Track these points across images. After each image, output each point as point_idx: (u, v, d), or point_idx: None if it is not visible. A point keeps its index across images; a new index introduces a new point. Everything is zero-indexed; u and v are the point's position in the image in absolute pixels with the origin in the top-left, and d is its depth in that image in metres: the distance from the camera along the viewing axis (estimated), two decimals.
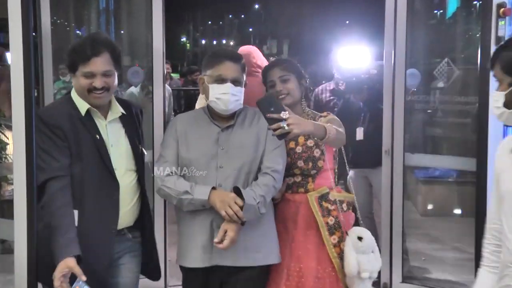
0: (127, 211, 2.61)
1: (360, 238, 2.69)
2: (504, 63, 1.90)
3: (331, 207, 2.78)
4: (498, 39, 2.94)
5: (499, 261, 2.00)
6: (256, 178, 2.63)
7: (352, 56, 4.53)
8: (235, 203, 2.46)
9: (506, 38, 2.98)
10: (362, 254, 2.69)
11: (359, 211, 2.85)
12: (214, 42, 20.94)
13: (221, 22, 21.40)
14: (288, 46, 17.85)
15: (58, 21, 4.15)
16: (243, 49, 4.34)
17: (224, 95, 2.58)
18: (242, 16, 20.08)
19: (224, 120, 2.67)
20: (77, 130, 2.54)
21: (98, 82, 2.53)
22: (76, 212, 2.52)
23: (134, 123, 2.74)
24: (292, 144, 2.80)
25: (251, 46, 4.41)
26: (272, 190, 2.62)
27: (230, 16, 20.78)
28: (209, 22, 21.30)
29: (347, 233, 2.73)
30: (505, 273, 1.93)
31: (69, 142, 2.50)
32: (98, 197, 2.55)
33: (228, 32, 21.05)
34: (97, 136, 2.56)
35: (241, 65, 2.65)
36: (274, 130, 2.41)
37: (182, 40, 20.88)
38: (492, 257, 2.04)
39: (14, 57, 2.52)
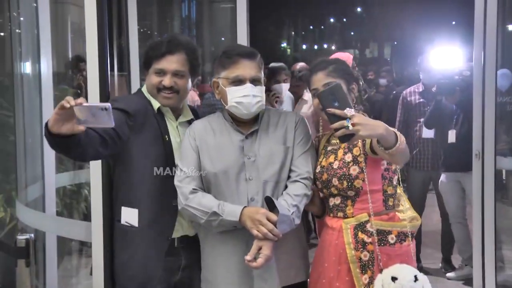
0: None
1: (394, 279, 2.19)
2: None
3: (368, 240, 2.32)
4: None
5: None
6: (285, 187, 2.40)
7: (443, 58, 4.44)
8: (268, 219, 2.22)
9: None
10: None
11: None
12: (315, 47, 20.99)
13: (322, 27, 21.41)
14: (391, 49, 17.56)
15: (142, 30, 4.41)
16: (341, 55, 4.37)
17: (244, 98, 2.34)
18: (344, 19, 19.98)
19: (247, 125, 2.44)
20: (149, 124, 2.48)
21: (167, 81, 2.47)
22: (136, 211, 2.48)
23: None
24: (331, 158, 2.42)
25: (348, 54, 4.42)
26: (305, 198, 2.37)
27: (332, 20, 20.73)
28: (311, 27, 21.38)
29: (381, 272, 2.27)
30: None
31: (133, 135, 2.42)
32: (157, 200, 2.47)
33: (329, 36, 21.02)
34: (166, 137, 2.51)
35: (258, 62, 2.41)
36: (336, 130, 2.08)
37: (282, 45, 21.09)
38: None
39: (91, 66, 2.56)
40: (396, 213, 2.41)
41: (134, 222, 2.48)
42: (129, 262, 2.52)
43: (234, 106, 2.35)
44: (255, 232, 2.21)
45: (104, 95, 2.59)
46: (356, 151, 2.37)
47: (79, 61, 5.71)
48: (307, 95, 4.86)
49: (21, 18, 4.00)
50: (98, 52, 2.56)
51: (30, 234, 2.68)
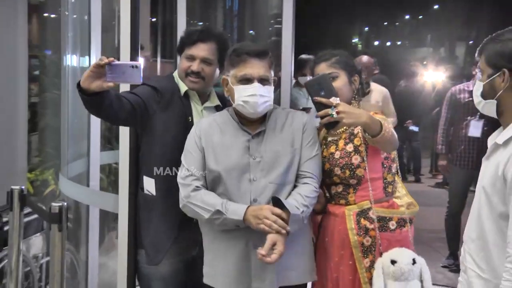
0: None
1: (393, 262, 2.29)
2: (488, 55, 1.91)
3: (370, 226, 2.40)
4: None
5: None
6: (292, 190, 2.39)
7: None
8: (273, 213, 2.23)
9: None
10: (394, 281, 2.27)
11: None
12: (388, 44, 20.63)
13: (397, 23, 21.00)
14: (465, 48, 17.03)
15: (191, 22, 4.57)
16: (364, 59, 4.63)
17: (251, 97, 2.32)
18: (420, 17, 19.53)
19: (253, 124, 2.43)
20: (175, 104, 2.64)
21: (195, 66, 2.62)
22: (153, 181, 2.63)
23: None
24: (332, 149, 2.50)
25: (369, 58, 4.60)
26: (314, 200, 2.39)
27: (407, 16, 20.30)
28: (385, 23, 21.01)
29: (381, 255, 2.37)
30: None
31: (158, 111, 2.59)
32: (171, 177, 2.58)
33: (403, 33, 20.61)
34: (190, 118, 2.66)
35: (268, 61, 2.40)
36: (322, 118, 2.17)
37: (354, 40, 20.87)
38: None
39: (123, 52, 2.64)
40: (394, 199, 2.50)
41: (153, 190, 2.64)
42: (147, 228, 2.69)
43: (241, 105, 2.36)
44: (261, 226, 2.22)
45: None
46: (357, 141, 2.46)
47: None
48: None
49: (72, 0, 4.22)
50: (130, 41, 2.67)
51: (64, 202, 2.87)
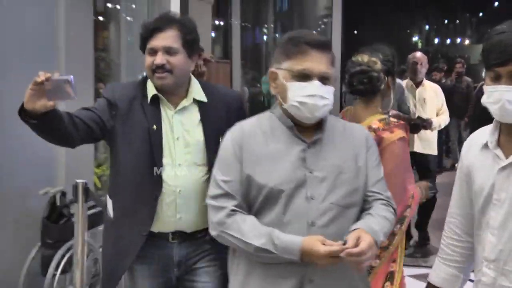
0: (199, 210, 2.31)
1: None
2: None
3: None
4: None
5: (454, 254, 2.08)
6: (358, 215, 1.98)
7: None
8: (330, 253, 1.77)
9: None
10: None
11: None
12: (448, 41, 20.28)
13: (457, 21, 20.63)
14: None
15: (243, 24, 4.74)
16: (419, 54, 4.73)
17: (310, 98, 1.89)
18: (480, 14, 19.13)
19: (308, 131, 1.98)
20: (133, 114, 2.33)
21: (158, 59, 2.28)
22: (110, 202, 2.42)
23: (218, 112, 2.40)
24: None
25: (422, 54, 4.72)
26: (392, 226, 2.03)
27: (468, 14, 19.91)
28: (445, 21, 20.67)
29: None
30: (478, 268, 1.96)
31: (117, 124, 2.32)
32: (137, 193, 2.33)
33: (463, 31, 20.23)
34: (154, 127, 2.33)
35: (331, 56, 1.97)
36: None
37: (414, 39, 20.61)
38: (447, 250, 2.08)
39: None
40: None
41: (111, 212, 2.42)
42: (104, 251, 2.55)
43: (295, 106, 1.91)
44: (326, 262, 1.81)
45: None
46: None
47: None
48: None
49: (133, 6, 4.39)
50: None
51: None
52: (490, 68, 1.82)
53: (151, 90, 2.36)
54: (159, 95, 2.35)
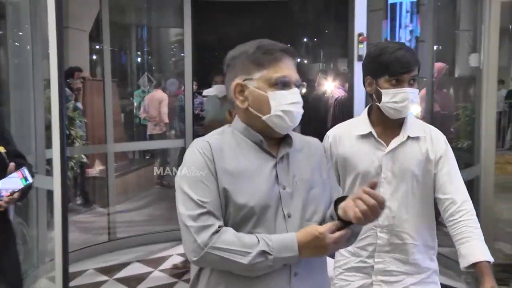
0: None
1: None
2: None
3: None
4: None
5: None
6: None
7: None
8: (334, 233, 1.67)
9: None
10: None
11: None
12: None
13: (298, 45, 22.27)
14: None
15: None
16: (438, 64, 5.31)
17: (294, 106, 1.77)
18: (315, 39, 20.73)
19: (275, 145, 1.84)
20: None
21: None
22: None
23: None
24: None
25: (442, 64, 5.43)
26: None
27: (305, 39, 21.59)
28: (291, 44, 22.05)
29: None
30: (367, 234, 2.29)
31: None
32: None
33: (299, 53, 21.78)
34: None
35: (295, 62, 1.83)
36: None
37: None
38: None
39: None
40: None
41: None
42: None
43: (278, 116, 1.76)
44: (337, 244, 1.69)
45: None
46: None
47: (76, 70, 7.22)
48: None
49: None
50: None
51: None
52: (394, 75, 2.19)
53: None
54: None
